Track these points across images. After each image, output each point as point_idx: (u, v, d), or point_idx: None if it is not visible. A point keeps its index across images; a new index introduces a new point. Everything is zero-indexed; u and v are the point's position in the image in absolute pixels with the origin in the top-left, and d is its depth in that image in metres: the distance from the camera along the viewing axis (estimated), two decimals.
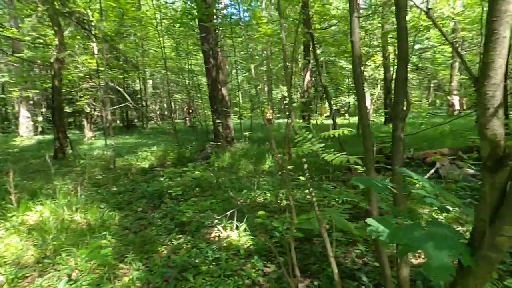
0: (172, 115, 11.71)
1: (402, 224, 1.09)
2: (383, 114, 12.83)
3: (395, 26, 1.72)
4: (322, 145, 1.19)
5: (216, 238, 2.84)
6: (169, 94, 9.30)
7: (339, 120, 16.35)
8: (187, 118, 18.16)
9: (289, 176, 4.89)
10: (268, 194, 4.06)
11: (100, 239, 2.90)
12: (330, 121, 15.85)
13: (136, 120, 20.62)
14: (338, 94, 20.62)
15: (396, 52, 1.93)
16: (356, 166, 3.80)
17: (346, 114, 18.50)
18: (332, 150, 1.19)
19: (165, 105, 23.73)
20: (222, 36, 10.53)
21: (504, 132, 0.74)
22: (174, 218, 3.37)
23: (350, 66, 12.32)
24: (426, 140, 7.70)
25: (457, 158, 5.31)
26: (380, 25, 9.70)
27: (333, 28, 11.09)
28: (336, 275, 1.21)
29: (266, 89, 18.97)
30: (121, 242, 2.89)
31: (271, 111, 15.49)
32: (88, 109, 12.69)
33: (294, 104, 16.84)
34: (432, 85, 21.44)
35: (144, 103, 17.13)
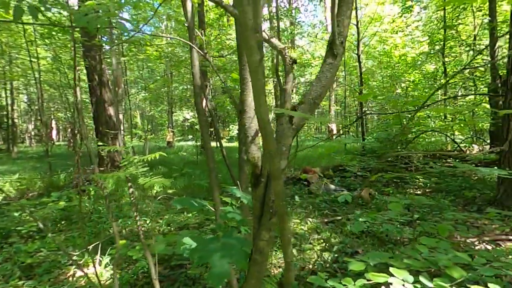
0: (46, 136, 9.98)
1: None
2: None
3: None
4: (146, 169, 1.23)
5: (71, 279, 2.49)
6: (41, 112, 7.93)
7: (236, 143, 17.06)
8: (71, 140, 15.79)
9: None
10: (148, 221, 3.84)
11: None
12: (233, 144, 16.41)
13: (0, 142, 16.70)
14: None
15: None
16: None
17: None
18: (151, 174, 1.24)
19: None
20: (116, 53, 9.85)
21: (261, 155, 0.94)
22: (19, 260, 2.80)
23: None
24: (306, 160, 8.82)
25: (325, 175, 6.27)
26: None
27: (229, 56, 11.84)
28: None
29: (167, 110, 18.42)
30: None
31: (171, 133, 15.04)
32: None
33: (196, 127, 16.82)
34: (316, 113, 25.17)
35: (10, 121, 14.10)
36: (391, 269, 1.26)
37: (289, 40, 17.16)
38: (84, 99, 13.17)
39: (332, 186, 5.24)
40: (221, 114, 19.41)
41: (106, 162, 6.88)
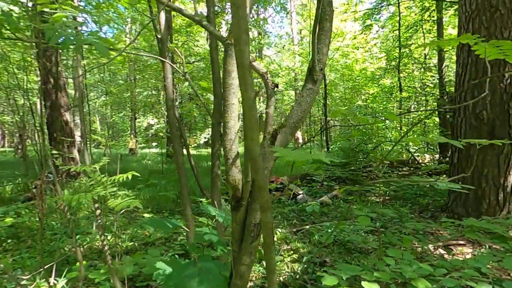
0: None
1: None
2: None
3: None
4: (115, 188, 1.16)
5: None
6: None
7: (205, 151, 16.81)
8: (19, 147, 14.40)
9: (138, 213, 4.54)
10: (109, 237, 3.60)
11: None
12: (201, 152, 16.09)
13: None
14: (208, 125, 21.47)
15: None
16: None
17: None
18: (123, 193, 1.18)
19: None
20: (74, 55, 9.24)
21: (242, 177, 0.93)
22: None
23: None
24: (274, 169, 8.93)
25: (292, 183, 6.39)
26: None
27: (196, 63, 11.72)
28: None
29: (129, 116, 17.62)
30: None
31: (134, 140, 14.38)
32: None
33: (161, 134, 16.29)
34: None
35: None
36: (363, 283, 1.30)
37: (257, 50, 17.45)
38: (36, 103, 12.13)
39: (300, 195, 5.35)
40: (188, 121, 19.02)
41: (61, 172, 6.36)
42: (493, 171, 3.22)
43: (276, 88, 0.89)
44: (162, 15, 1.63)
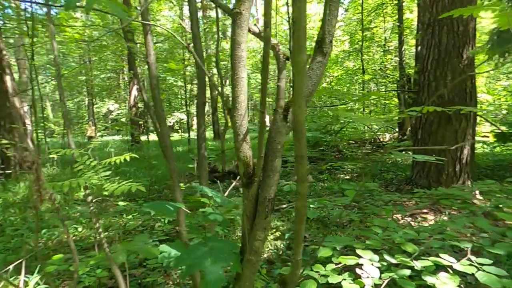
0: None
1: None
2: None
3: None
4: (108, 173, 1.07)
5: None
6: None
7: (173, 137, 16.31)
8: None
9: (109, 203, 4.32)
10: (80, 229, 3.40)
11: None
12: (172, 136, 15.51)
13: None
14: (172, 110, 20.69)
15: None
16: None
17: (180, 130, 18.75)
18: (118, 178, 1.10)
19: None
20: (17, 34, 8.21)
21: (252, 153, 0.91)
22: None
23: (180, 83, 12.61)
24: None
25: None
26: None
27: (159, 45, 11.06)
28: None
29: (86, 102, 16.36)
30: None
31: (93, 127, 13.46)
32: None
33: (123, 120, 15.41)
34: (249, 105, 25.75)
35: None
36: (358, 251, 1.38)
37: (222, 32, 16.93)
38: None
39: None
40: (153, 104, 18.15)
41: (14, 164, 5.78)
42: (451, 145, 3.53)
43: (287, 61, 0.87)
44: None
